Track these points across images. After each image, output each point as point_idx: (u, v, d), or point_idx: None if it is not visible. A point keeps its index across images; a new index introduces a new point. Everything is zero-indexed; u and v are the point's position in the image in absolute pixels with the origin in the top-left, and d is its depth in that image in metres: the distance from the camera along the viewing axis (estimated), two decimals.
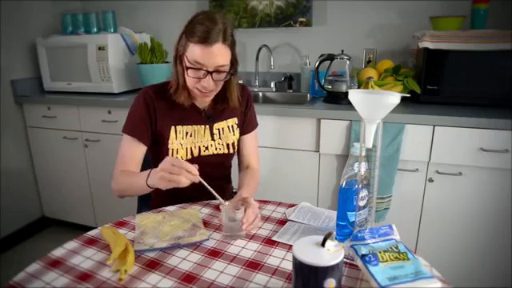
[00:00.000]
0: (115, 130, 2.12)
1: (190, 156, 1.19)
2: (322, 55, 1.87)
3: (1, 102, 2.27)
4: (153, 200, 1.30)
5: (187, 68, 1.06)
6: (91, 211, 2.39)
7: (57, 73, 2.35)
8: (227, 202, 0.97)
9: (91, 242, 0.91)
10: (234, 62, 1.12)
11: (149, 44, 2.17)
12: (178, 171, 0.90)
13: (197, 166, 0.94)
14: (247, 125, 1.29)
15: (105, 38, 2.15)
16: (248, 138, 1.30)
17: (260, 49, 2.25)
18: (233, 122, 1.25)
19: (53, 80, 2.38)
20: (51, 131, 2.33)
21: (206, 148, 1.21)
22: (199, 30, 1.01)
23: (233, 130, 1.25)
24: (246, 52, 2.40)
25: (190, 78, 1.08)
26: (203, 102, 1.20)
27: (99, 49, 2.16)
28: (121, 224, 1.00)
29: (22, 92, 2.35)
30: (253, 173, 1.27)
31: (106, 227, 0.94)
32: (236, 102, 1.20)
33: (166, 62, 2.20)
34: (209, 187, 0.96)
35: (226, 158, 1.27)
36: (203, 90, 1.09)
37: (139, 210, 1.35)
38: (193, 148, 1.19)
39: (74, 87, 2.32)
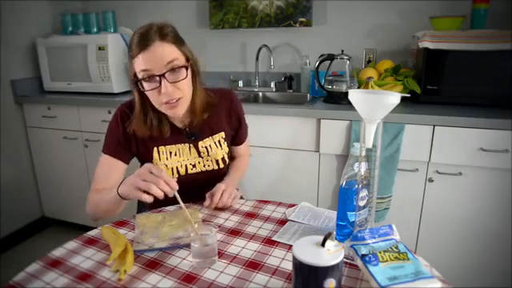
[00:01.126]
0: None
1: (176, 175, 1.15)
2: (321, 55, 1.87)
3: (1, 102, 2.27)
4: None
5: (137, 82, 0.99)
6: None
7: (57, 73, 2.35)
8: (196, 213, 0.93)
9: (91, 242, 0.91)
10: (189, 60, 1.04)
11: None
12: (155, 180, 0.85)
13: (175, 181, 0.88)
14: (239, 136, 1.28)
15: (105, 38, 2.15)
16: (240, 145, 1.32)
17: (260, 49, 2.25)
18: (219, 136, 1.19)
19: (53, 80, 2.38)
20: (51, 131, 2.33)
21: (194, 166, 1.16)
22: (135, 40, 0.98)
23: (220, 145, 1.19)
24: (246, 52, 2.40)
25: (151, 96, 1.01)
26: (181, 120, 1.14)
27: (99, 49, 2.16)
28: (121, 224, 1.00)
29: (22, 92, 2.36)
30: (241, 159, 1.31)
31: (105, 227, 0.94)
32: (199, 112, 1.11)
33: None
34: (182, 204, 0.90)
35: (217, 173, 1.21)
36: (169, 100, 1.00)
37: (139, 210, 1.34)
38: (179, 167, 1.15)
39: (73, 87, 2.32)
